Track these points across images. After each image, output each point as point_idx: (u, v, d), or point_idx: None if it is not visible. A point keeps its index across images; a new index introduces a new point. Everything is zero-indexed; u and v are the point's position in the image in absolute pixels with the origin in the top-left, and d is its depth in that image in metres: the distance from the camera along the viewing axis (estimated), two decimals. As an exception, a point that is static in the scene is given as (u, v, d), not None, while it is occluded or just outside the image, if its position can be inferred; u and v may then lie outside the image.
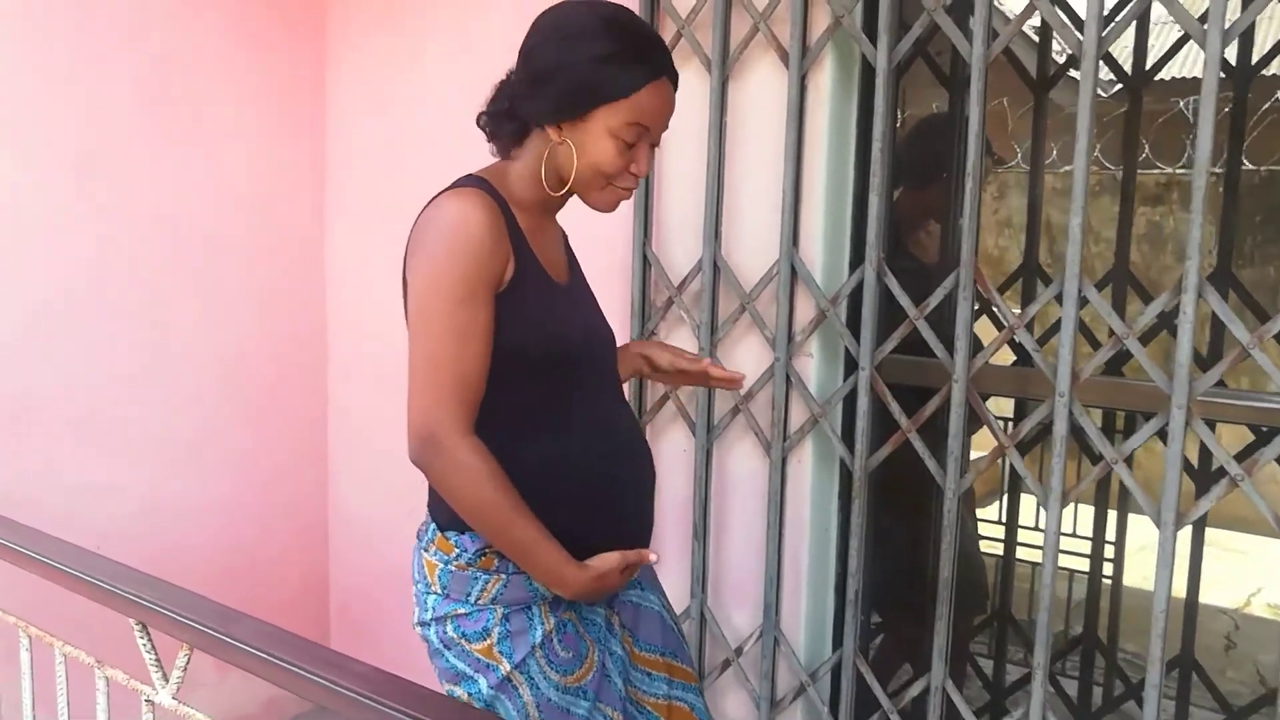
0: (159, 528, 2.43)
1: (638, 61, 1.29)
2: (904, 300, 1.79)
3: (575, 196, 1.38)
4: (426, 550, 1.38)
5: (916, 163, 2.35)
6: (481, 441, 1.28)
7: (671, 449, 2.13)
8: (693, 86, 2.01)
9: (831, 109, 1.89)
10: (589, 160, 1.31)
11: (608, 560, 1.33)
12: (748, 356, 2.00)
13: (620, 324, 2.11)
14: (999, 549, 2.68)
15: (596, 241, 2.04)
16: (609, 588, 1.36)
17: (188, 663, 1.21)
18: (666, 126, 1.37)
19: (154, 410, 2.40)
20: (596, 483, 1.37)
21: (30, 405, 2.18)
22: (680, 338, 2.08)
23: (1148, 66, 2.32)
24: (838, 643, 1.98)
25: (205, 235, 2.44)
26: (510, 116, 1.36)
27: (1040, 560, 1.72)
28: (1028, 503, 3.02)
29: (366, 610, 2.77)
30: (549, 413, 1.35)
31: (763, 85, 1.94)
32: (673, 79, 1.35)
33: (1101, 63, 1.62)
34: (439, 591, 1.35)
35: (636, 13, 1.96)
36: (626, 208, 2.06)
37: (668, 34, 2.01)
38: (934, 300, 1.77)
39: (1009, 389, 2.04)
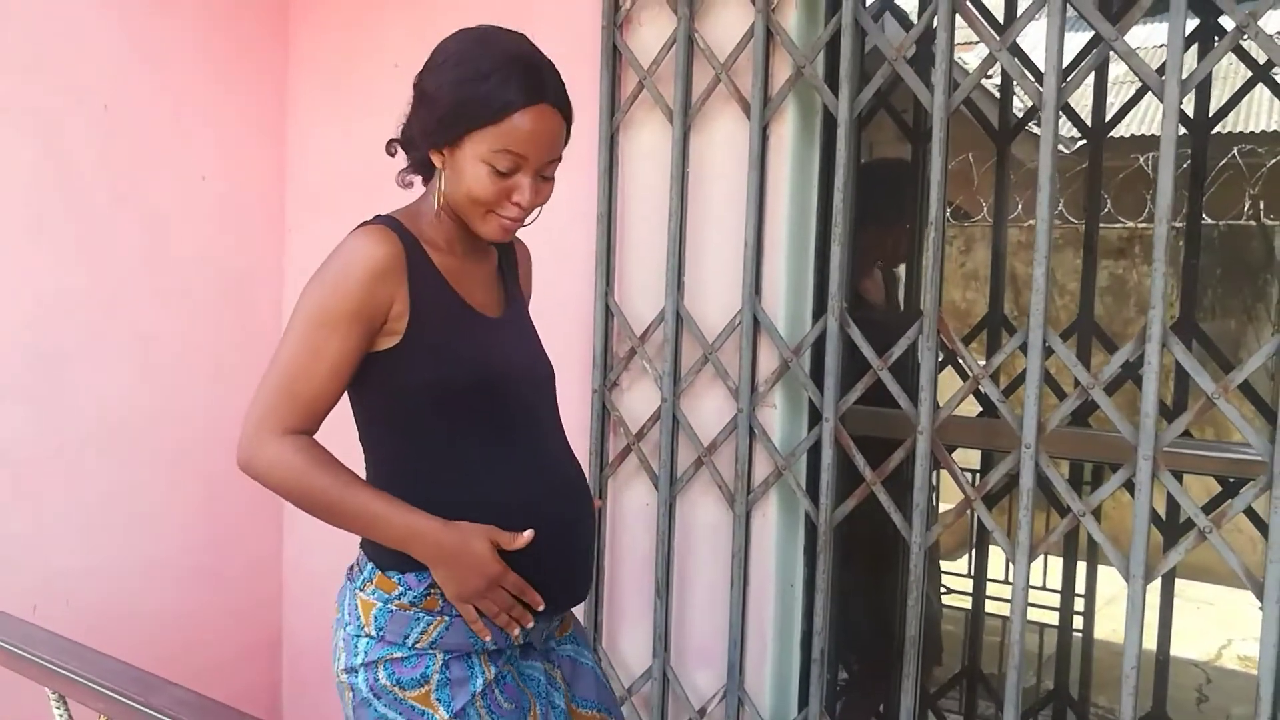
0: (109, 587, 2.33)
1: (509, 86, 1.24)
2: (867, 350, 1.77)
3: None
4: (362, 590, 1.32)
5: (873, 208, 2.34)
6: (307, 437, 1.27)
7: (633, 503, 2.08)
8: (655, 137, 2.00)
9: (793, 159, 1.89)
10: (463, 188, 1.29)
11: (475, 526, 1.27)
12: (711, 408, 1.97)
13: (582, 375, 2.08)
14: (967, 603, 2.64)
15: (557, 288, 2.02)
16: (473, 556, 1.26)
17: (107, 734, 1.13)
18: (553, 157, 1.31)
19: (103, 468, 2.31)
20: (519, 526, 1.30)
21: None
22: (643, 388, 2.04)
23: (1108, 119, 2.34)
24: (803, 702, 1.92)
25: (162, 288, 2.38)
26: (408, 145, 1.36)
27: (1009, 614, 1.68)
28: (997, 555, 2.99)
29: (315, 671, 2.67)
30: (471, 451, 1.31)
31: (725, 135, 1.93)
32: (558, 105, 1.29)
33: (1063, 116, 1.62)
34: (372, 634, 1.30)
35: (596, 61, 2.00)
36: (587, 257, 2.05)
37: (629, 84, 2.01)
38: (897, 350, 1.75)
39: (975, 440, 2.02)
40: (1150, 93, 1.55)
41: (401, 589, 1.30)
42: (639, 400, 2.05)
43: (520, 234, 1.43)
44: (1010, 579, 1.72)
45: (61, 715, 1.16)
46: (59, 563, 2.23)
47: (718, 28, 1.92)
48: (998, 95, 2.63)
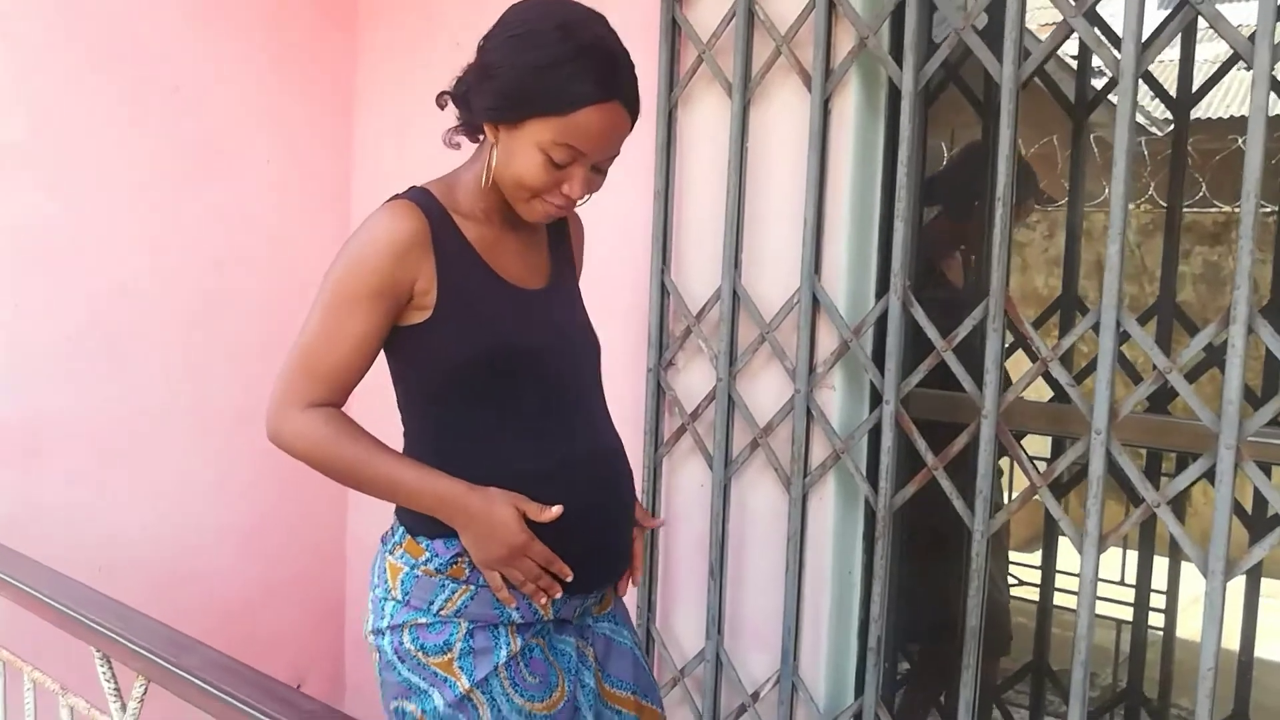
0: (176, 553, 2.40)
1: (584, 79, 1.19)
2: (931, 331, 1.71)
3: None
4: (391, 553, 1.32)
5: (957, 192, 2.28)
6: (331, 409, 1.27)
7: (688, 483, 2.05)
8: (714, 112, 1.96)
9: (856, 133, 1.83)
10: (513, 171, 1.25)
11: (504, 492, 1.25)
12: (768, 388, 1.93)
13: (637, 353, 2.05)
14: (1035, 595, 2.55)
15: (612, 265, 2.00)
16: (500, 524, 1.23)
17: (144, 693, 1.15)
18: (613, 154, 1.28)
19: (173, 439, 2.37)
20: (547, 499, 1.26)
21: (50, 432, 2.15)
22: (699, 367, 2.01)
23: (1194, 93, 2.22)
24: (859, 691, 1.87)
25: (228, 265, 2.42)
26: (463, 104, 1.30)
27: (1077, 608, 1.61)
28: (1069, 547, 2.88)
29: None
30: (502, 425, 1.29)
31: (786, 110, 1.88)
32: (628, 104, 1.24)
33: (1148, 92, 1.54)
34: (399, 598, 1.29)
35: (655, 35, 1.96)
36: (644, 234, 2.02)
37: (688, 59, 1.97)
38: (962, 331, 1.68)
39: (1043, 426, 1.93)
40: (1239, 65, 1.45)
41: (428, 555, 1.29)
42: (695, 380, 2.02)
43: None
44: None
45: (106, 674, 1.18)
46: (126, 527, 2.29)
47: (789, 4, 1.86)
48: (1075, 67, 2.52)
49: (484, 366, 1.27)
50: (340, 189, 2.63)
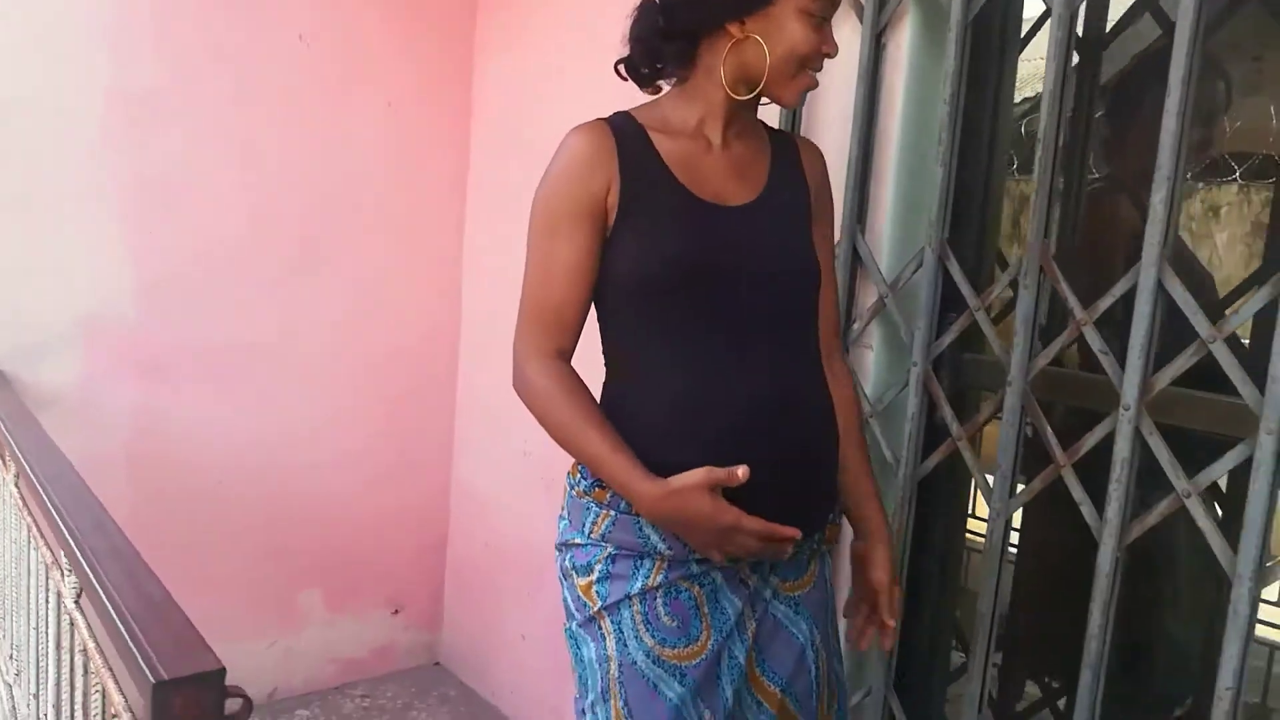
0: (287, 474, 2.60)
1: None
2: (965, 288, 1.55)
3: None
4: (569, 475, 1.34)
5: (1130, 116, 1.96)
6: (563, 364, 1.25)
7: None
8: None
9: (910, 70, 1.68)
10: (785, 48, 1.22)
11: (688, 476, 1.15)
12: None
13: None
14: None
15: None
16: (695, 513, 1.14)
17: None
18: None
19: (291, 372, 2.57)
20: (721, 441, 1.19)
21: (176, 357, 2.39)
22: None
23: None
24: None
25: (349, 213, 2.58)
26: (670, 36, 1.26)
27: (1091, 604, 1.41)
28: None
29: (476, 576, 2.83)
30: (669, 352, 1.22)
31: (844, 47, 1.75)
32: None
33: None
34: (566, 516, 1.32)
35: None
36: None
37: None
38: (997, 289, 1.52)
39: (1072, 397, 1.68)
40: None
41: (580, 476, 1.29)
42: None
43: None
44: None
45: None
46: (243, 446, 2.52)
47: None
48: None
49: (655, 283, 1.21)
50: (460, 134, 2.74)
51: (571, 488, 1.30)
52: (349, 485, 2.71)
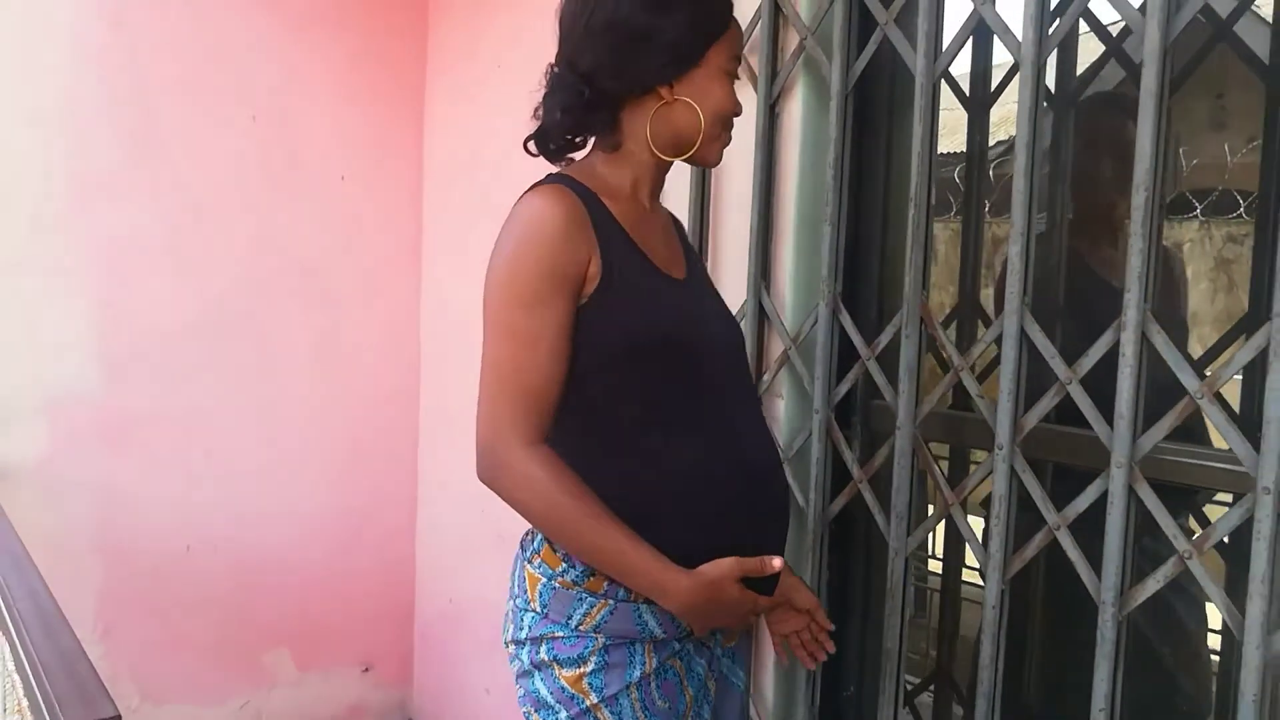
0: (254, 539, 2.68)
1: None
2: (856, 338, 1.65)
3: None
4: (530, 562, 1.25)
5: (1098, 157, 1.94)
6: (551, 451, 1.16)
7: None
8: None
9: (804, 136, 1.79)
10: (712, 108, 1.23)
11: (720, 566, 1.17)
12: (727, 396, 1.92)
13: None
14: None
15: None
16: (727, 602, 1.18)
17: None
18: None
19: (255, 441, 2.65)
20: (709, 500, 1.21)
21: (141, 428, 2.48)
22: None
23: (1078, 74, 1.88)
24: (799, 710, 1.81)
25: (308, 268, 2.70)
26: (595, 106, 1.23)
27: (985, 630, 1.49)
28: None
29: (442, 632, 2.89)
30: (659, 419, 1.20)
31: (745, 118, 1.87)
32: None
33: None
34: (537, 610, 1.22)
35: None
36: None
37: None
38: (884, 339, 1.61)
39: (952, 438, 1.77)
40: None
41: (565, 565, 1.21)
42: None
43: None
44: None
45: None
46: (208, 512, 2.60)
47: (738, 6, 1.86)
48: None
49: (643, 358, 1.19)
50: (413, 200, 2.86)
51: (550, 578, 1.21)
52: (315, 548, 2.79)
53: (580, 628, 1.20)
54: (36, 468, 2.35)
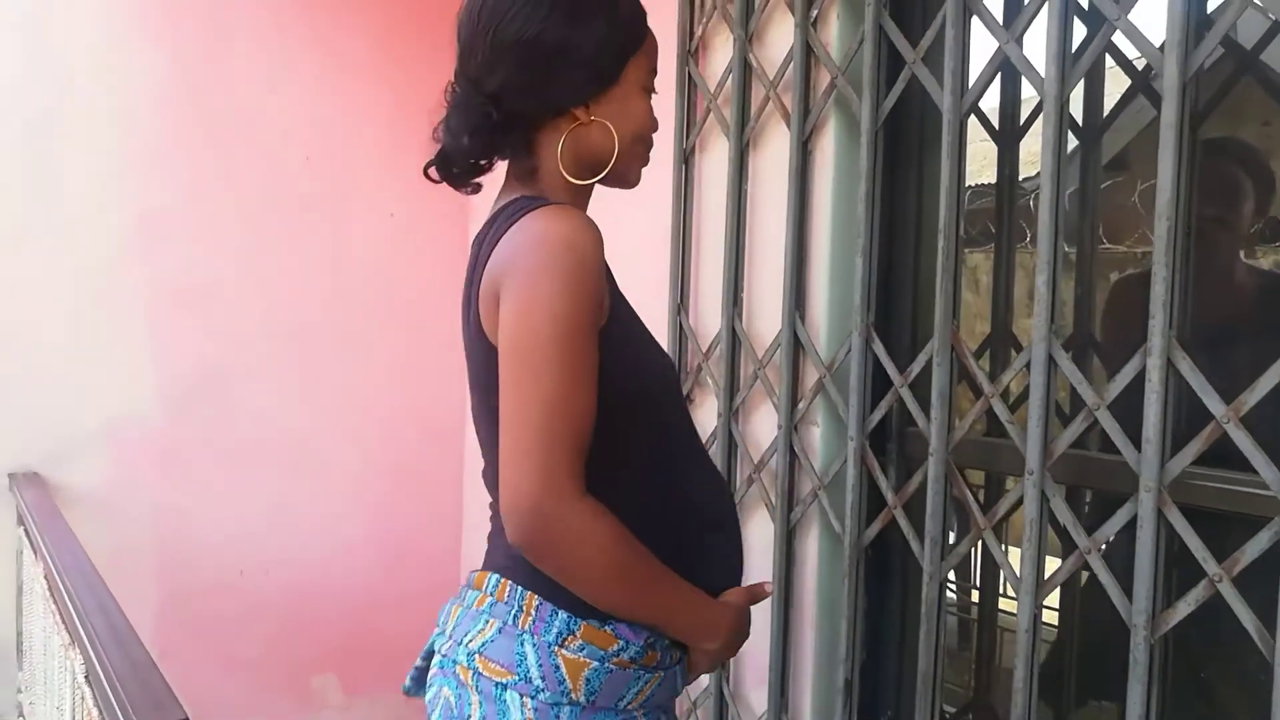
0: (305, 560, 2.76)
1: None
2: (890, 368, 1.69)
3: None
4: (563, 646, 1.06)
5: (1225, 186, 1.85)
6: (601, 504, 1.03)
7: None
8: (723, 157, 2.04)
9: (836, 171, 1.84)
10: (632, 127, 1.14)
11: (738, 594, 1.16)
12: (764, 424, 1.96)
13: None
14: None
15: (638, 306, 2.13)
16: (746, 630, 1.19)
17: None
18: None
19: (305, 466, 2.75)
20: (712, 527, 1.18)
21: (197, 454, 2.59)
22: (711, 404, 2.08)
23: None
24: (842, 734, 1.83)
25: (356, 303, 2.79)
26: (506, 128, 1.12)
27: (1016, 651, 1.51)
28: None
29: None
30: (662, 454, 1.15)
31: (779, 153, 1.93)
32: None
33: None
34: (581, 700, 1.05)
35: (674, 86, 2.08)
36: (664, 275, 2.13)
37: (699, 109, 2.08)
38: (916, 367, 1.65)
39: (984, 463, 1.79)
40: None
41: (621, 643, 1.07)
42: (708, 415, 2.09)
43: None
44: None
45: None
46: (264, 540, 2.69)
47: (773, 48, 1.93)
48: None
49: (645, 399, 1.13)
50: (459, 233, 2.93)
51: (604, 660, 1.06)
52: (363, 573, 2.86)
53: (629, 706, 1.09)
54: (100, 495, 2.45)
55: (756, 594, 1.20)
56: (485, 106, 1.10)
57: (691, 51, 2.09)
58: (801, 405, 1.86)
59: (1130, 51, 1.60)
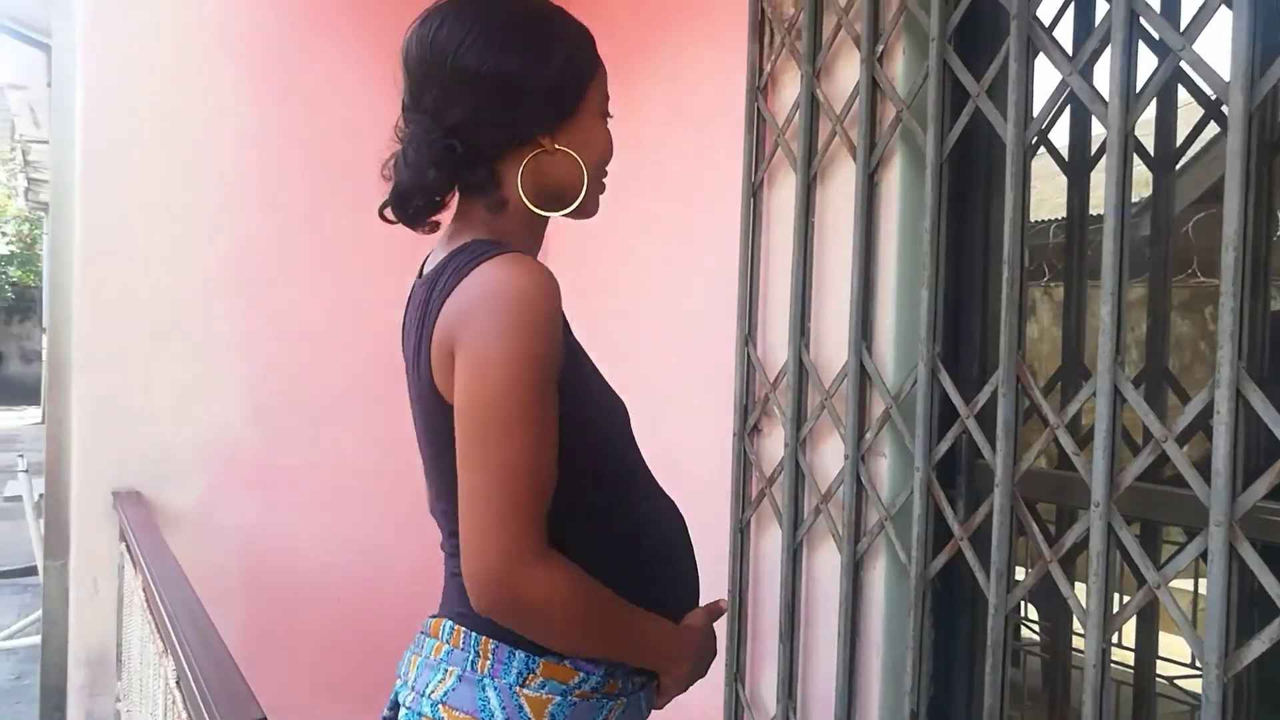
0: (387, 582, 2.85)
1: (578, 24, 1.14)
2: (956, 399, 1.69)
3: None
4: (524, 686, 1.07)
5: None
6: (561, 556, 1.04)
7: (771, 547, 2.12)
8: (790, 191, 2.08)
9: (901, 203, 1.86)
10: (595, 154, 1.14)
11: (698, 615, 1.19)
12: (831, 455, 1.97)
13: (723, 418, 2.19)
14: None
15: (699, 334, 2.17)
16: (713, 650, 1.22)
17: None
18: None
19: (386, 488, 2.82)
20: (667, 553, 1.20)
21: (284, 475, 2.71)
22: (778, 434, 2.10)
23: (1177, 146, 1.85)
24: (908, 768, 1.82)
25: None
26: (472, 161, 1.09)
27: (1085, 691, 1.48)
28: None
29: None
30: (617, 491, 1.17)
31: (845, 186, 1.96)
32: None
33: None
34: None
35: (743, 122, 2.13)
36: (731, 307, 2.17)
37: (768, 144, 2.12)
38: (982, 398, 1.65)
39: (1050, 496, 1.77)
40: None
41: (581, 675, 1.09)
42: (775, 445, 2.11)
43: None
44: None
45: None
46: (350, 560, 2.78)
47: (839, 83, 1.97)
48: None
49: (607, 441, 1.16)
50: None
51: (565, 694, 1.07)
52: (438, 601, 2.93)
53: None
54: (194, 513, 2.58)
55: (714, 612, 1.23)
56: (447, 139, 1.07)
57: (760, 88, 2.13)
58: (869, 436, 1.87)
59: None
